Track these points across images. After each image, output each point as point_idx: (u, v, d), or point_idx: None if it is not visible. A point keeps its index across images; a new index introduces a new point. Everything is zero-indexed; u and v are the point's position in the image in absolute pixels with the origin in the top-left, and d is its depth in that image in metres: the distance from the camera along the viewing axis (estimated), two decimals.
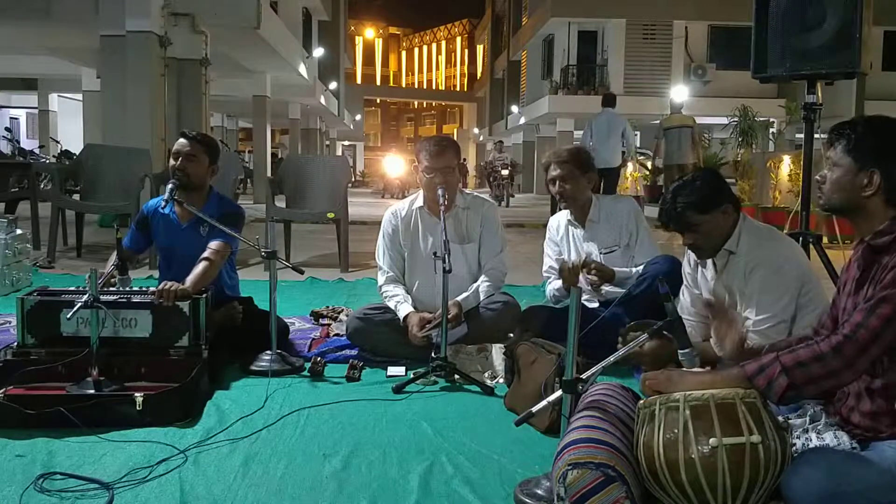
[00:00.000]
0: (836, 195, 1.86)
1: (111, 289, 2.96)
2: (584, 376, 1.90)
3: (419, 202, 3.44)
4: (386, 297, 3.40)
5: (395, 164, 22.70)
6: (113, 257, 3.08)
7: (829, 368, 1.67)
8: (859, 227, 1.86)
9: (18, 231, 4.97)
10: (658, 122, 12.07)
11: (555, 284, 3.50)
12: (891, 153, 1.81)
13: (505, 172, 18.07)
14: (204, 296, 2.96)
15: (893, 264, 1.72)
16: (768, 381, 1.70)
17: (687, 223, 2.46)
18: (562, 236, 3.59)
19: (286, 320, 3.61)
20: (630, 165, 16.78)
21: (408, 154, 23.32)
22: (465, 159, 20.54)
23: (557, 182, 3.41)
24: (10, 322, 3.72)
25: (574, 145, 3.51)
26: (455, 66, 67.55)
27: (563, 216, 3.61)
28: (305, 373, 3.07)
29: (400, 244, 3.47)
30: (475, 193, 3.59)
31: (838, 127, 1.89)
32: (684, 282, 2.87)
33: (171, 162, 3.30)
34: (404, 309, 3.29)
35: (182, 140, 3.32)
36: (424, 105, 66.06)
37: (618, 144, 9.99)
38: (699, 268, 2.74)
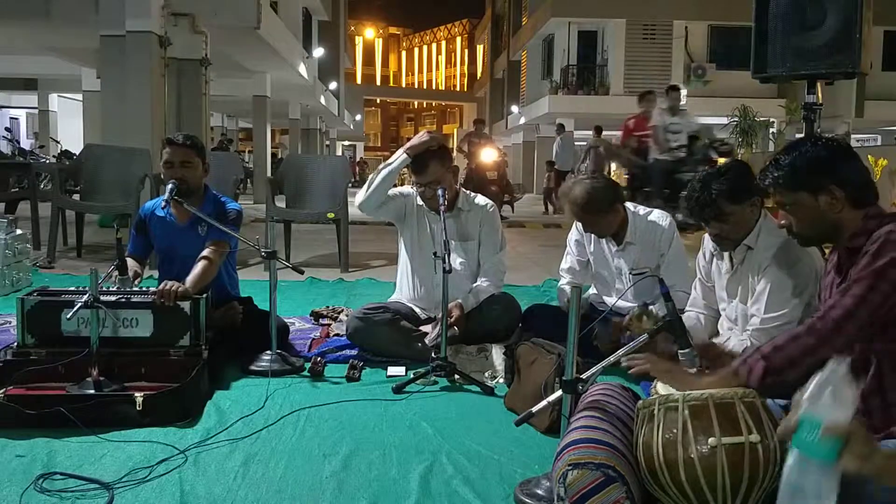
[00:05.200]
0: (812, 229, 1.89)
1: (112, 288, 2.96)
2: (584, 376, 1.91)
3: (420, 201, 3.45)
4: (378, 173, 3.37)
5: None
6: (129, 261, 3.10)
7: (803, 346, 1.72)
8: (839, 241, 1.88)
9: (18, 231, 4.97)
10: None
11: (568, 289, 3.42)
12: (828, 162, 1.83)
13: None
14: (204, 296, 2.95)
15: (866, 251, 1.75)
16: (749, 369, 1.76)
17: (718, 212, 2.45)
18: (593, 245, 3.43)
19: (286, 320, 3.61)
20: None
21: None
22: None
23: (585, 226, 3.34)
24: (10, 322, 3.72)
25: (582, 192, 3.17)
26: (455, 66, 67.51)
27: None
28: (305, 373, 3.07)
29: (403, 199, 3.48)
30: (476, 195, 3.58)
31: (764, 176, 1.91)
32: (697, 274, 2.86)
33: (164, 170, 3.27)
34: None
35: (173, 148, 3.25)
36: (424, 105, 66.02)
37: (572, 156, 15.26)
38: (714, 260, 2.74)
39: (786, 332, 1.80)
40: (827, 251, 3.69)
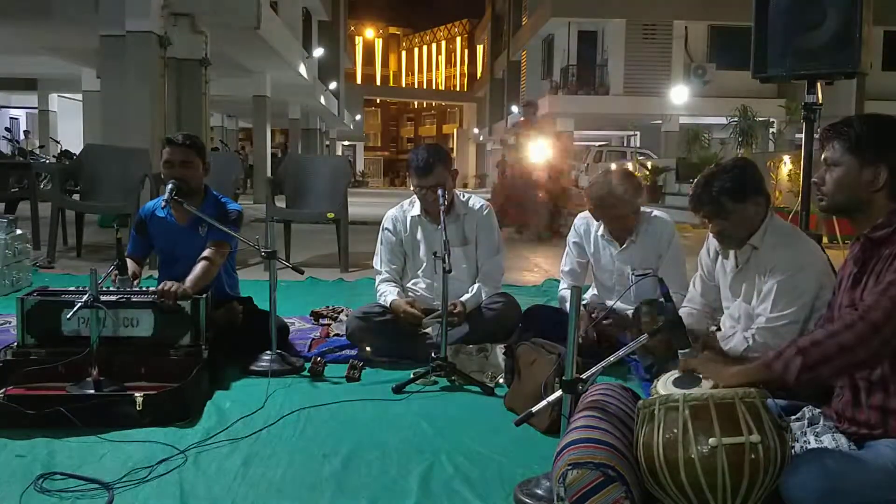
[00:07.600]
0: (840, 194, 1.86)
1: (112, 288, 2.96)
2: (584, 376, 1.91)
3: (416, 210, 3.44)
4: (379, 297, 3.40)
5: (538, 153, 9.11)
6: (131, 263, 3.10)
7: (842, 344, 1.67)
8: (860, 224, 1.86)
9: (18, 231, 4.97)
10: (659, 121, 12.79)
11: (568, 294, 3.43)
12: (892, 145, 1.81)
13: None
14: (204, 296, 2.95)
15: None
16: (785, 363, 1.71)
17: (720, 209, 2.44)
18: (594, 248, 3.43)
19: (286, 320, 3.61)
20: (629, 165, 17.54)
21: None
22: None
23: (605, 223, 3.36)
24: (10, 322, 3.72)
25: (603, 188, 3.21)
26: (455, 66, 67.43)
27: (593, 223, 3.47)
28: (305, 373, 3.07)
29: (402, 250, 3.48)
30: (471, 197, 3.57)
31: (833, 126, 1.89)
32: (699, 270, 2.86)
33: (164, 170, 3.26)
34: (390, 297, 3.31)
35: (172, 148, 3.24)
36: (424, 105, 65.94)
37: None
38: (719, 258, 2.74)
39: (824, 328, 1.76)
40: (828, 250, 3.71)
